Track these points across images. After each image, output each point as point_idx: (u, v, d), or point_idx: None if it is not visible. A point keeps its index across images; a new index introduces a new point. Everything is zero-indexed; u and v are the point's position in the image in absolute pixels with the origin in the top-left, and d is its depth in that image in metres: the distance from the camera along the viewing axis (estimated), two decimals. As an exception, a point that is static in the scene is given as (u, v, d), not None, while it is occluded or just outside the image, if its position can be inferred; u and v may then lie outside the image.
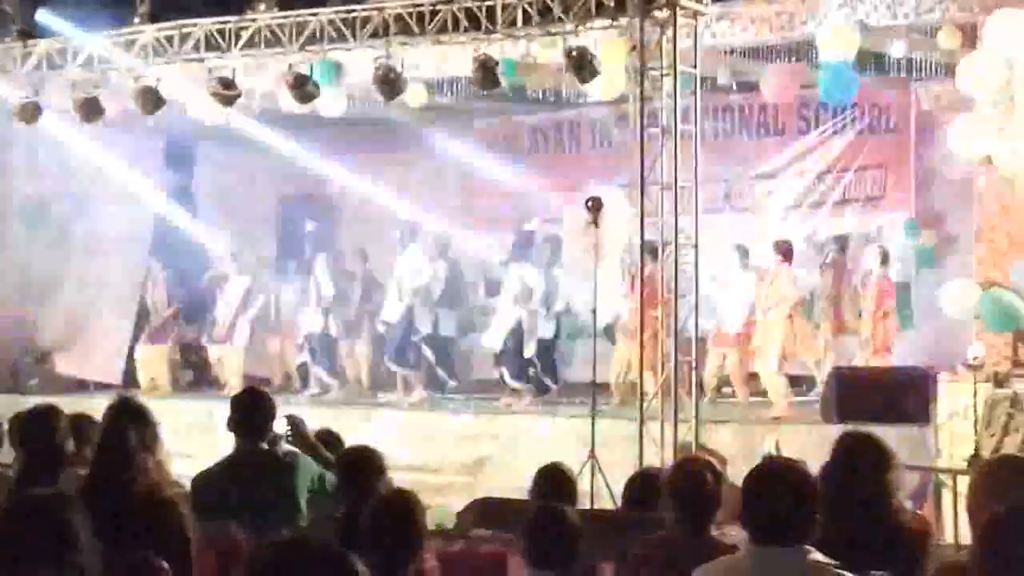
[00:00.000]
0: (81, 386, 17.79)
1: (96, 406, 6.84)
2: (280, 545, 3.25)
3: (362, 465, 6.43)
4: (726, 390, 15.32)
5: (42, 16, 15.34)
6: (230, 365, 17.58)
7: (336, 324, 17.24)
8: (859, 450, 5.32)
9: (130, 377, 17.98)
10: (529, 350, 15.67)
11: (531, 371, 15.73)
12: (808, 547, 4.38)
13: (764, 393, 14.52)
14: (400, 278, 16.63)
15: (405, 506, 5.28)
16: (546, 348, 15.92)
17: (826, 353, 14.78)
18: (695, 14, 12.07)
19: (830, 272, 15.16)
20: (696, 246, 12.16)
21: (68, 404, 7.24)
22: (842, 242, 15.44)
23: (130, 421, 5.78)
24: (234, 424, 6.65)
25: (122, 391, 12.68)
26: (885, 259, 14.75)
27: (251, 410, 6.69)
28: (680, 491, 5.55)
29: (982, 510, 3.93)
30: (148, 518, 5.37)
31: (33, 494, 4.52)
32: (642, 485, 7.12)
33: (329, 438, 7.37)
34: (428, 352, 16.50)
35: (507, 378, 15.77)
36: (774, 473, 4.70)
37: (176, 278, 18.25)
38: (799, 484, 4.51)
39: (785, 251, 14.55)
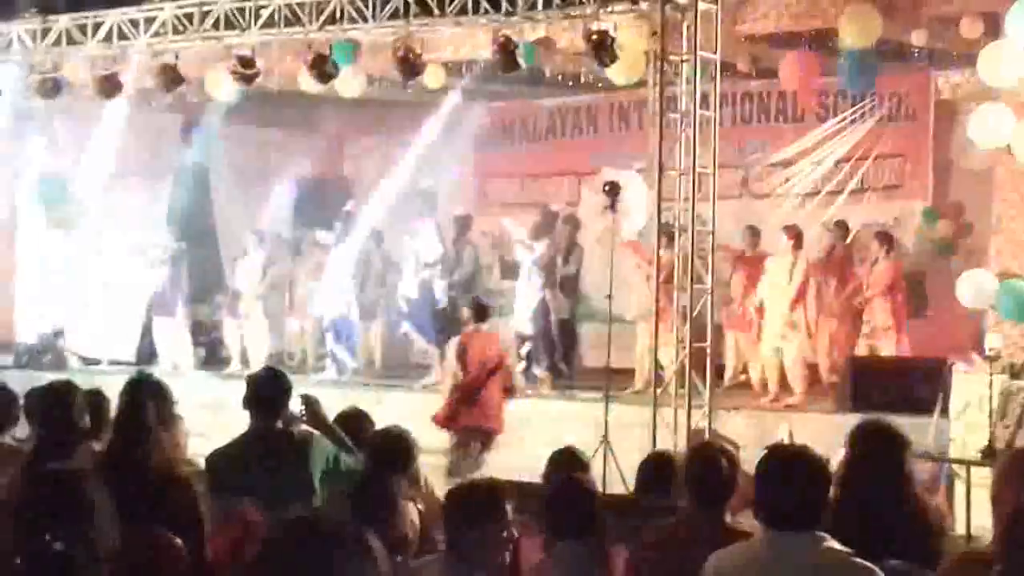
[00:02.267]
0: (96, 363, 17.84)
1: (111, 383, 6.87)
2: (296, 522, 3.25)
3: (395, 448, 6.46)
4: (742, 377, 15.27)
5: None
6: (250, 342, 17.59)
7: (355, 306, 17.25)
8: (877, 438, 5.32)
9: (146, 354, 18.01)
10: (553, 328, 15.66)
11: (554, 356, 15.71)
12: (822, 533, 4.38)
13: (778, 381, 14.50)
14: (417, 251, 16.59)
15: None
16: (564, 330, 15.90)
17: (833, 343, 14.73)
18: (716, -1, 12.05)
19: (833, 258, 15.10)
20: (713, 232, 12.15)
21: (83, 380, 7.25)
22: (843, 227, 15.37)
23: (148, 397, 5.79)
24: (250, 402, 6.66)
25: (141, 368, 12.69)
26: (889, 247, 14.65)
27: (267, 389, 6.70)
28: (695, 477, 5.55)
29: (1007, 501, 3.92)
30: (162, 495, 5.39)
31: (51, 468, 4.54)
32: (655, 468, 7.11)
33: (357, 418, 7.33)
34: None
35: (534, 367, 15.70)
36: (787, 459, 4.70)
37: (191, 254, 18.24)
38: (812, 470, 4.52)
39: (795, 236, 14.49)
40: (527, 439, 13.23)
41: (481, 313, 13.50)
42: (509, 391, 13.34)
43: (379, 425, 7.21)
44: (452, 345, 13.90)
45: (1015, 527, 3.46)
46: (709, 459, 5.57)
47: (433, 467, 7.64)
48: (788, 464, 4.61)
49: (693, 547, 4.93)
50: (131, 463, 5.57)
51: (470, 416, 12.86)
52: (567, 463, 6.89)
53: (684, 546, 5.18)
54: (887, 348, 14.31)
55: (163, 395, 6.30)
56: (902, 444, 5.29)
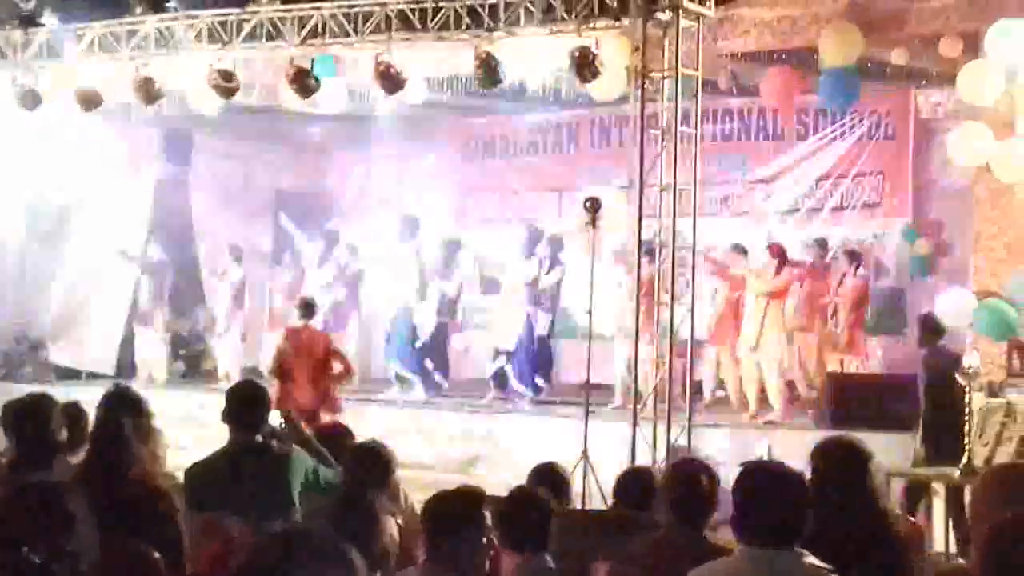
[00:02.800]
0: (74, 375, 17.78)
1: (89, 395, 6.85)
2: (278, 536, 3.24)
3: (374, 461, 6.45)
4: (720, 393, 15.29)
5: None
6: (228, 357, 17.57)
7: (331, 321, 17.25)
8: (839, 455, 5.32)
9: (124, 366, 17.96)
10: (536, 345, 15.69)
11: (535, 372, 15.73)
12: (802, 550, 4.38)
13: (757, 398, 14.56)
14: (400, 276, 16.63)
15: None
16: (543, 347, 15.92)
17: (813, 359, 14.80)
18: (698, 17, 12.06)
19: (812, 275, 15.17)
20: (694, 249, 12.17)
21: (61, 393, 7.23)
22: (822, 244, 15.46)
23: (125, 411, 5.77)
24: (229, 416, 6.64)
25: (118, 381, 12.64)
26: (857, 264, 14.77)
27: (247, 402, 6.69)
28: (676, 492, 5.54)
29: (986, 517, 3.93)
30: (141, 508, 5.36)
31: (30, 481, 4.52)
32: (633, 483, 7.12)
33: (337, 431, 7.34)
34: (428, 361, 16.51)
35: (514, 382, 15.71)
36: (766, 476, 4.71)
37: (172, 267, 18.19)
38: (791, 487, 4.53)
39: (779, 253, 14.55)
40: (508, 455, 13.25)
41: (308, 310, 13.72)
42: (339, 377, 13.38)
43: (359, 440, 7.21)
44: (280, 335, 14.15)
45: (994, 542, 3.46)
46: (690, 475, 5.57)
47: (411, 481, 7.60)
48: (767, 480, 4.61)
49: (673, 562, 4.92)
50: (109, 476, 5.55)
51: (294, 400, 12.77)
52: (549, 479, 6.89)
53: (664, 561, 5.17)
54: (854, 364, 14.40)
55: (141, 408, 6.28)
56: (864, 459, 5.28)
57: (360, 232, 18.47)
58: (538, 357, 15.84)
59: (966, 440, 9.57)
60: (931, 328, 11.82)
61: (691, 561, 4.71)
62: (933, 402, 10.91)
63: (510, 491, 5.79)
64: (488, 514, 5.01)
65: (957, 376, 9.68)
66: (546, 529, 5.48)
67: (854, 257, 14.89)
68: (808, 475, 5.00)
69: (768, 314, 14.27)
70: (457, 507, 5.01)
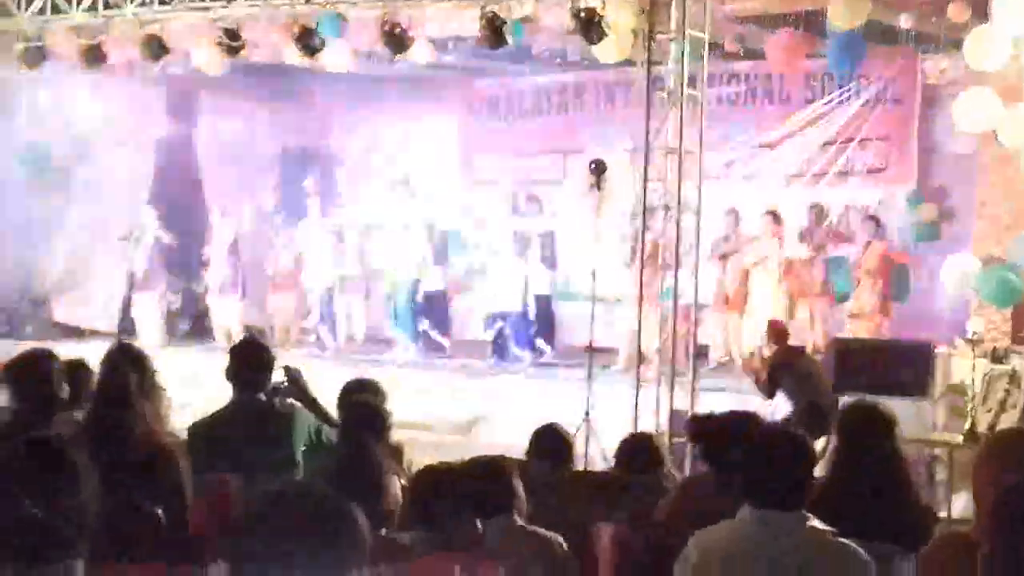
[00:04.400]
0: (77, 333, 17.78)
1: (92, 353, 6.84)
2: (279, 494, 3.23)
3: (367, 420, 6.42)
4: (725, 358, 15.31)
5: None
6: (227, 315, 17.58)
7: (335, 282, 17.27)
8: (865, 421, 5.33)
9: (126, 325, 17.96)
10: (531, 311, 15.68)
11: (531, 333, 15.73)
12: (806, 513, 4.38)
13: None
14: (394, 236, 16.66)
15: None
16: (545, 307, 15.93)
17: (813, 323, 14.81)
18: (706, -22, 12.01)
19: (810, 241, 15.16)
20: (699, 212, 12.13)
21: (64, 350, 7.21)
22: (818, 210, 15.45)
23: (129, 367, 5.76)
24: (232, 374, 6.63)
25: (122, 337, 12.65)
26: (880, 230, 14.78)
27: (250, 360, 6.68)
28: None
29: (989, 482, 3.92)
30: (144, 465, 5.36)
31: (34, 435, 4.51)
32: (635, 448, 7.13)
33: (364, 387, 7.26)
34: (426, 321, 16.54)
35: (513, 347, 15.72)
36: (771, 439, 4.70)
37: (176, 228, 18.16)
38: (796, 450, 4.52)
39: (775, 217, 14.56)
40: (510, 417, 13.24)
41: None
42: None
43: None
44: None
45: (1002, 508, 3.45)
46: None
47: (411, 443, 7.59)
48: (772, 444, 4.61)
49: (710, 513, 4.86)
50: (113, 432, 5.54)
51: None
52: (550, 440, 6.90)
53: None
54: (869, 330, 14.39)
55: (145, 365, 6.26)
56: (890, 425, 5.29)
57: (364, 192, 18.44)
58: (538, 318, 15.84)
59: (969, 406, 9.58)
60: None
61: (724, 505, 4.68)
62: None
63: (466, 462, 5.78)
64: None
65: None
66: (506, 493, 5.47)
67: (876, 223, 14.88)
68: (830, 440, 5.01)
69: (777, 285, 14.34)
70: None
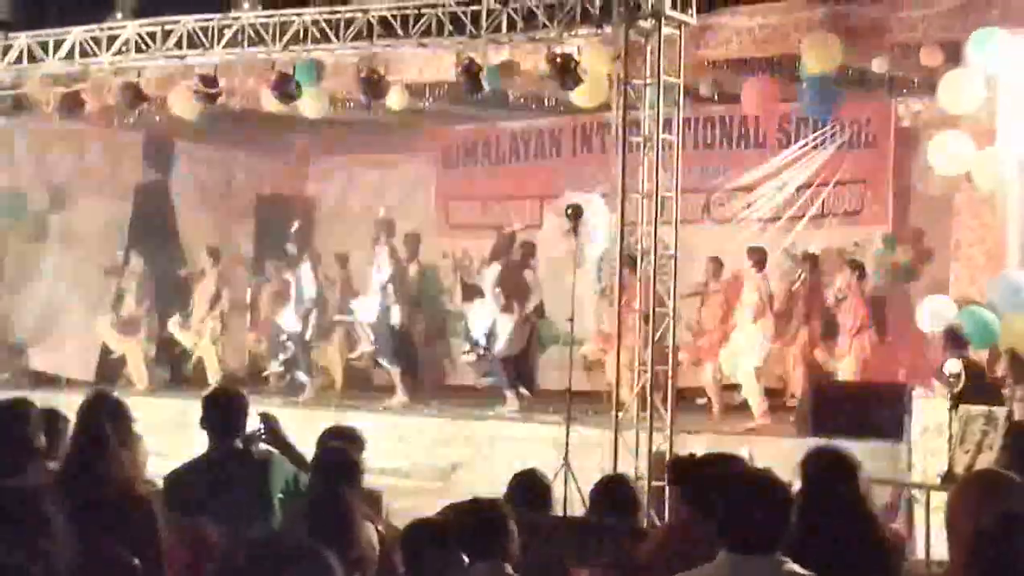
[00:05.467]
0: (54, 381, 17.70)
1: (69, 401, 6.81)
2: (255, 542, 3.23)
3: (338, 466, 6.39)
4: (701, 400, 15.31)
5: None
6: (207, 361, 17.55)
7: (313, 326, 17.23)
8: (827, 465, 5.34)
9: (104, 372, 17.89)
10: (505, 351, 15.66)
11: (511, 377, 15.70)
12: (783, 557, 4.38)
13: (738, 405, 14.64)
14: (374, 277, 16.63)
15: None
16: (523, 358, 15.92)
17: (795, 368, 14.83)
18: (680, 25, 12.07)
19: (802, 291, 15.17)
20: (675, 256, 12.17)
21: (41, 399, 7.18)
22: (813, 261, 15.47)
23: (106, 416, 5.74)
24: (207, 422, 6.61)
25: (99, 385, 12.60)
26: (860, 274, 14.84)
27: (224, 408, 6.65)
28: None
29: (961, 524, 3.93)
30: (120, 514, 5.34)
31: (6, 485, 4.49)
32: (611, 490, 7.12)
33: (341, 433, 7.25)
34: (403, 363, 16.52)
35: (484, 379, 15.71)
36: (748, 482, 4.71)
37: (155, 273, 18.11)
38: (773, 493, 4.52)
39: (758, 259, 14.61)
40: (490, 462, 13.23)
41: None
42: None
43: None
44: None
45: (977, 550, 3.46)
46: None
47: (391, 489, 7.59)
48: (748, 487, 4.62)
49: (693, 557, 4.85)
50: (89, 481, 5.52)
51: None
52: (529, 485, 6.89)
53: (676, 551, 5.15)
54: (847, 372, 14.44)
55: (122, 414, 6.24)
56: (853, 469, 5.30)
57: (340, 237, 18.47)
58: (521, 367, 15.83)
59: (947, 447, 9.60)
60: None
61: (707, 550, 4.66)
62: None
63: (463, 503, 5.75)
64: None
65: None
66: (500, 537, 5.43)
67: (855, 267, 14.94)
68: (794, 484, 5.01)
69: (754, 323, 14.37)
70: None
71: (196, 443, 6.96)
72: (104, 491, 5.40)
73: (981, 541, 3.24)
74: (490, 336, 15.67)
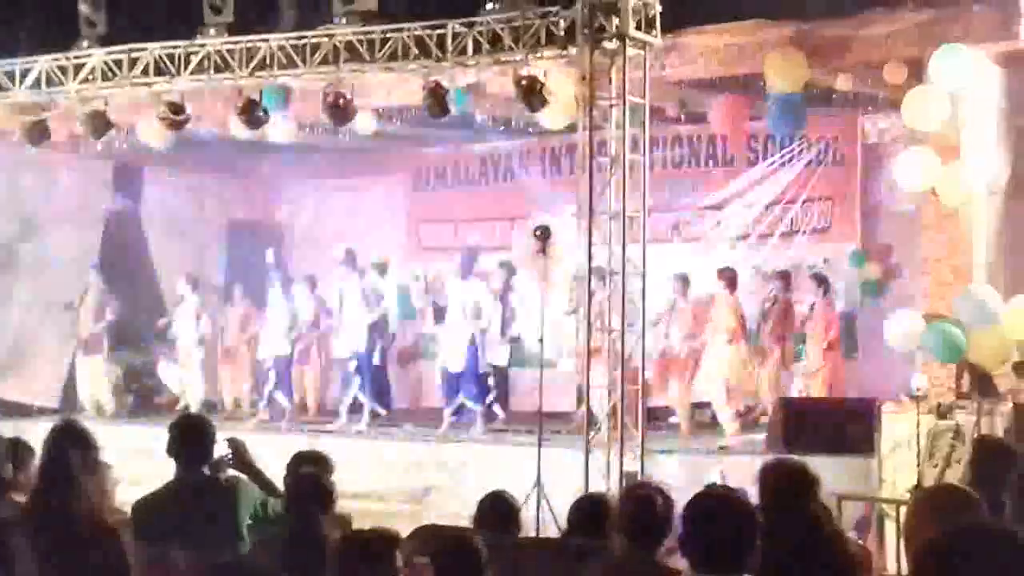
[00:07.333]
0: (23, 410, 17.58)
1: (38, 431, 6.78)
2: (223, 568, 3.23)
3: (312, 493, 6.39)
4: (672, 420, 15.32)
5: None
6: (189, 390, 17.52)
7: (300, 350, 17.21)
8: (782, 480, 5.36)
9: (70, 399, 17.81)
10: (484, 367, 15.63)
11: (489, 397, 15.68)
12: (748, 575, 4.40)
13: (709, 423, 14.69)
14: (351, 306, 16.59)
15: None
16: (502, 376, 15.92)
17: (768, 387, 14.87)
18: (644, 45, 12.12)
19: (775, 310, 15.20)
20: (644, 275, 12.19)
21: (9, 429, 7.16)
22: (786, 279, 15.49)
23: (72, 445, 5.73)
24: (174, 450, 6.58)
25: (66, 415, 12.55)
26: (826, 288, 14.90)
27: (190, 435, 6.63)
28: (629, 515, 5.52)
29: (918, 537, 3.95)
30: (89, 544, 5.33)
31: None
32: (586, 510, 7.11)
33: (311, 458, 7.25)
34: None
35: (466, 400, 15.66)
36: (715, 502, 4.72)
37: (118, 299, 18.01)
38: (739, 512, 4.54)
39: (729, 279, 14.66)
40: (461, 483, 13.22)
41: None
42: None
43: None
44: None
45: (920, 566, 3.46)
46: (644, 498, 5.55)
47: (362, 513, 7.58)
48: (715, 506, 4.63)
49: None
50: (56, 512, 5.50)
51: None
52: (497, 507, 6.88)
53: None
54: (817, 388, 14.50)
55: (88, 442, 6.22)
56: (808, 482, 5.32)
57: (311, 262, 18.44)
58: (496, 387, 15.81)
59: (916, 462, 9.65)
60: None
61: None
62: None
63: (444, 540, 5.71)
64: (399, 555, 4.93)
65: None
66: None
67: (821, 282, 15.00)
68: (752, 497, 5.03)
69: (729, 345, 14.43)
70: (369, 547, 4.95)
71: (164, 471, 6.94)
72: (71, 523, 5.39)
73: (923, 557, 3.26)
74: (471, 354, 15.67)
